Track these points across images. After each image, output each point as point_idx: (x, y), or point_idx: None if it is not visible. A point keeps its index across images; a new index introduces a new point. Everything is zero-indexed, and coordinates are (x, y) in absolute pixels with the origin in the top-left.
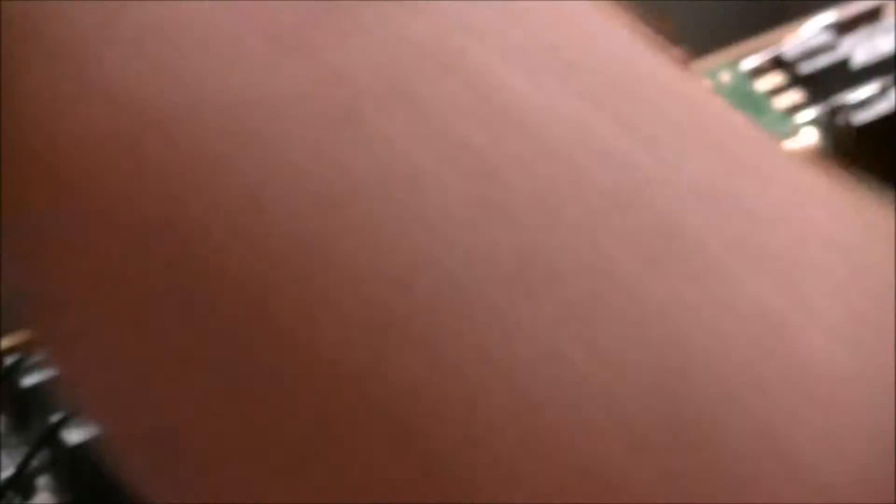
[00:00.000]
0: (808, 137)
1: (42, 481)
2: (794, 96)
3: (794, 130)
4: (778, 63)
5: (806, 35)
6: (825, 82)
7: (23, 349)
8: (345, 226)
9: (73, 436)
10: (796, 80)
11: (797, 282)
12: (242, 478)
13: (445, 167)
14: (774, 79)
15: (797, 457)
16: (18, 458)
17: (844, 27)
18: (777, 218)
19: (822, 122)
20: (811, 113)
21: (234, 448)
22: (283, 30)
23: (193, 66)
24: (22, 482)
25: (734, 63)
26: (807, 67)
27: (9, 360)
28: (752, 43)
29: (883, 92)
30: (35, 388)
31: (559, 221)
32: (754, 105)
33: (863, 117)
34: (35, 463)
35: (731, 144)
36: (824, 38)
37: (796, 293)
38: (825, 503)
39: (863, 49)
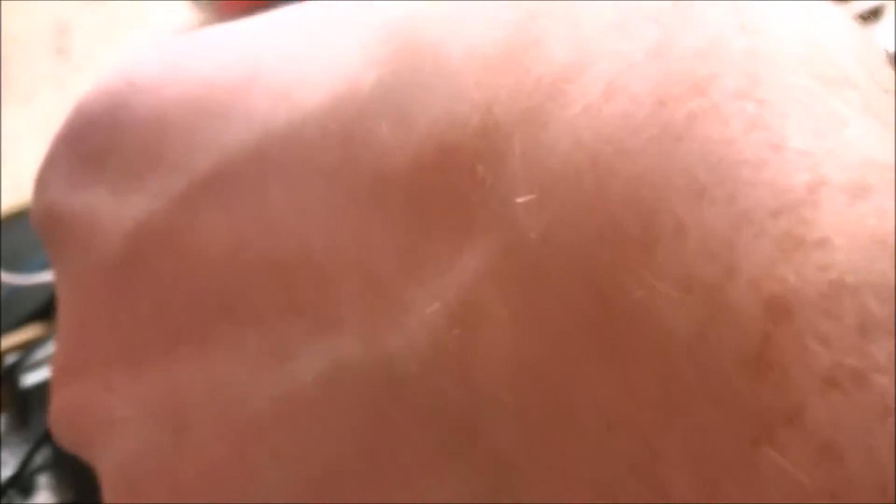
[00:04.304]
0: None
1: (43, 480)
2: None
3: None
4: None
5: None
6: None
7: (23, 349)
8: None
9: None
10: None
11: None
12: None
13: None
14: None
15: None
16: (19, 457)
17: None
18: None
19: None
20: None
21: None
22: None
23: None
24: (23, 480)
25: None
26: None
27: (9, 360)
28: None
29: None
30: (35, 388)
31: None
32: None
33: None
34: (36, 461)
35: None
36: None
37: None
38: None
39: None
